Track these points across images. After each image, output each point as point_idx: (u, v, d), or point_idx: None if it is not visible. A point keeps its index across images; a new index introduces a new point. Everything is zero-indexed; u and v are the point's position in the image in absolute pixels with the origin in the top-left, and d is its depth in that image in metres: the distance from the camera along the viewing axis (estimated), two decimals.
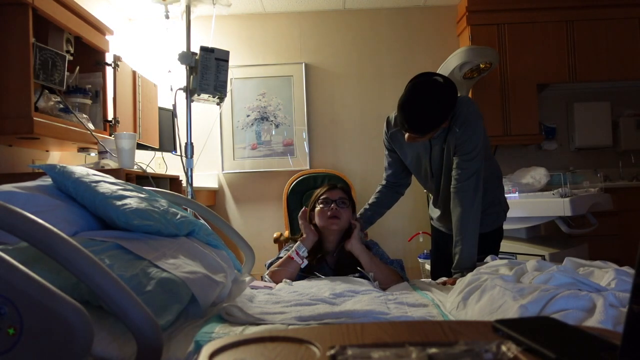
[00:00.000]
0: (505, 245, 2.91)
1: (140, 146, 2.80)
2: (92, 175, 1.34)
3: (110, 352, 0.87)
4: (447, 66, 3.18)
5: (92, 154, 2.58)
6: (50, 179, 1.28)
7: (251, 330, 1.04)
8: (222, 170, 3.78)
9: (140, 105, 2.87)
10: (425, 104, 1.64)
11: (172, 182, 2.65)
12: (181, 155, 2.59)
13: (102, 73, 2.48)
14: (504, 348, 0.51)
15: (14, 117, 1.84)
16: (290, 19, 3.86)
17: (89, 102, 2.37)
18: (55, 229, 0.72)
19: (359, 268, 1.70)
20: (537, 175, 3.10)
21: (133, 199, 1.28)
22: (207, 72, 2.48)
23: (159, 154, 3.26)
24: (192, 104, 2.58)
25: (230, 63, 2.63)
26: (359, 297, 1.35)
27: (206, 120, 3.70)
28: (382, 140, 1.99)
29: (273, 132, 3.81)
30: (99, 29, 2.43)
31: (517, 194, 2.96)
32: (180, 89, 2.52)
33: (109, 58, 2.54)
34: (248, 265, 1.86)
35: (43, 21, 2.03)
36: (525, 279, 1.25)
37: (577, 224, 3.02)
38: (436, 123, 1.66)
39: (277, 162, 3.80)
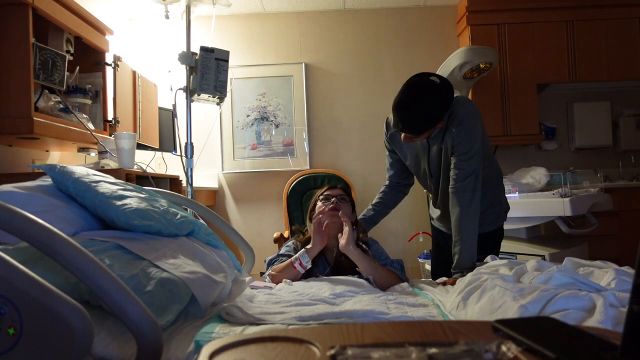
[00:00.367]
0: (505, 245, 2.91)
1: (140, 146, 2.80)
2: (92, 175, 1.34)
3: (110, 352, 0.87)
4: (447, 66, 3.18)
5: (92, 154, 2.58)
6: (50, 179, 1.28)
7: (251, 330, 1.04)
8: (222, 170, 3.78)
9: (140, 105, 2.87)
10: (419, 104, 1.64)
11: (172, 182, 2.65)
12: (181, 155, 2.59)
13: (102, 73, 2.48)
14: (504, 348, 0.50)
15: (14, 117, 1.84)
16: (290, 19, 3.86)
17: (89, 102, 2.37)
18: (55, 229, 0.72)
19: (357, 269, 1.70)
20: (537, 175, 3.10)
21: (133, 199, 1.28)
22: (207, 72, 2.48)
23: (159, 154, 3.26)
24: (192, 104, 2.58)
25: (230, 63, 2.63)
26: (359, 297, 1.35)
27: (206, 120, 3.70)
28: (383, 140, 2.00)
29: (273, 132, 3.81)
30: (99, 29, 2.43)
31: (517, 194, 2.96)
32: (180, 89, 2.52)
33: (109, 58, 2.54)
34: (248, 265, 1.86)
35: (43, 21, 2.03)
36: (525, 279, 1.25)
37: (577, 224, 3.02)
38: (430, 123, 1.66)
39: (277, 162, 3.80)
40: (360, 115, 3.82)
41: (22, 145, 2.20)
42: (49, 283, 0.68)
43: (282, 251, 1.87)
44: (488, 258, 1.61)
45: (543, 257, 2.71)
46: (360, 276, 1.67)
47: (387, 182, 2.09)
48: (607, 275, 1.17)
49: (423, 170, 1.90)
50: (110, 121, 2.52)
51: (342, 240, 1.70)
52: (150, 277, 1.03)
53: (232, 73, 3.57)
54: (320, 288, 1.46)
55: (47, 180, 1.30)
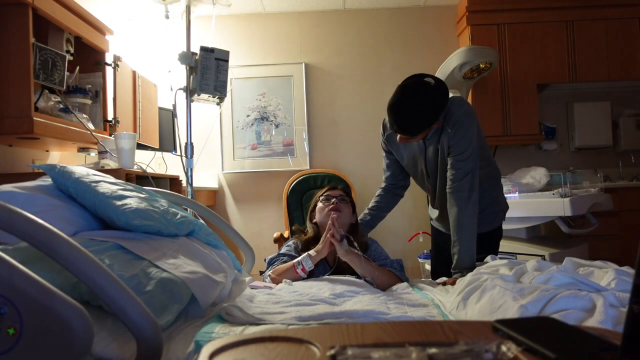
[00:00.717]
0: (505, 245, 2.92)
1: (140, 146, 2.80)
2: (92, 175, 1.34)
3: (110, 352, 0.87)
4: (447, 66, 3.18)
5: (92, 154, 2.58)
6: (50, 179, 1.28)
7: (251, 330, 1.04)
8: (222, 170, 3.78)
9: (140, 105, 2.87)
10: (413, 106, 1.64)
11: (172, 182, 2.65)
12: (181, 155, 2.59)
13: (102, 73, 2.48)
14: (504, 348, 0.51)
15: (14, 117, 1.84)
16: (290, 19, 3.86)
17: (89, 102, 2.37)
18: (55, 229, 0.72)
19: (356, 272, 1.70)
20: (537, 175, 3.10)
21: (133, 199, 1.28)
22: (207, 72, 2.48)
23: (159, 154, 3.26)
24: (192, 104, 2.58)
25: (230, 63, 2.63)
26: (359, 297, 1.35)
27: (206, 120, 3.70)
28: (380, 141, 2.01)
29: (273, 132, 3.81)
30: (99, 29, 2.43)
31: (517, 194, 2.96)
32: (180, 89, 2.52)
33: (109, 58, 2.54)
34: (248, 265, 1.86)
35: (43, 21, 2.03)
36: (525, 279, 1.25)
37: (577, 224, 3.02)
38: (425, 124, 1.67)
39: (277, 162, 3.80)
40: (360, 115, 3.82)
41: (22, 145, 2.20)
42: (49, 283, 0.68)
43: (283, 251, 1.87)
44: (488, 258, 1.61)
45: (543, 257, 2.71)
46: (360, 277, 1.68)
47: (383, 185, 2.09)
48: (607, 275, 1.17)
49: (420, 171, 1.91)
50: (110, 121, 2.52)
51: (340, 255, 1.68)
52: (150, 277, 1.03)
53: (232, 73, 3.58)
54: (320, 288, 1.46)
55: (47, 180, 1.30)
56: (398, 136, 1.73)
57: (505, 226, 2.06)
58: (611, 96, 3.88)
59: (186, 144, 2.58)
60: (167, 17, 2.66)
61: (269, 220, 3.77)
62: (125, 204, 1.23)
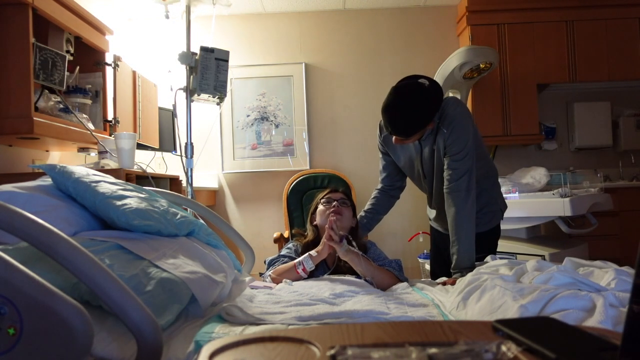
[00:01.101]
0: (505, 245, 2.92)
1: (140, 146, 2.80)
2: (92, 175, 1.34)
3: (110, 352, 0.87)
4: (447, 66, 3.18)
5: (92, 154, 2.58)
6: (50, 179, 1.28)
7: (251, 330, 1.04)
8: (222, 170, 3.78)
9: (140, 105, 2.87)
10: (407, 107, 1.65)
11: (172, 182, 2.65)
12: (181, 155, 2.59)
13: (102, 73, 2.48)
14: (504, 348, 0.51)
15: (14, 117, 1.84)
16: (290, 19, 3.86)
17: (89, 102, 2.37)
18: (55, 229, 0.72)
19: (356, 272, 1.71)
20: (537, 175, 3.10)
21: (133, 199, 1.28)
22: (207, 72, 2.48)
23: (159, 154, 3.26)
24: (192, 104, 2.58)
25: (230, 63, 2.63)
26: (359, 297, 1.35)
27: (206, 120, 3.70)
28: (377, 143, 2.01)
29: (273, 132, 3.81)
30: (99, 29, 2.43)
31: (517, 194, 2.96)
32: (180, 89, 2.52)
33: (109, 58, 2.54)
34: (248, 265, 1.86)
35: (43, 21, 2.03)
36: (525, 279, 1.25)
37: (577, 224, 3.02)
38: (420, 125, 1.67)
39: (277, 162, 3.80)
40: (360, 115, 3.82)
41: (22, 145, 2.20)
42: (49, 283, 0.68)
43: (283, 252, 1.88)
44: (488, 258, 1.61)
45: (543, 257, 2.71)
46: (359, 277, 1.68)
47: (379, 186, 2.09)
48: (607, 275, 1.17)
49: (417, 171, 1.91)
50: (110, 121, 2.52)
51: (339, 251, 1.69)
52: (150, 277, 1.03)
53: (232, 73, 3.58)
54: (320, 288, 1.46)
55: (47, 180, 1.30)
56: (394, 137, 1.74)
57: (505, 226, 2.06)
58: (611, 96, 3.88)
59: (186, 144, 2.58)
60: (167, 17, 2.66)
61: (269, 220, 3.77)
62: (125, 204, 1.23)
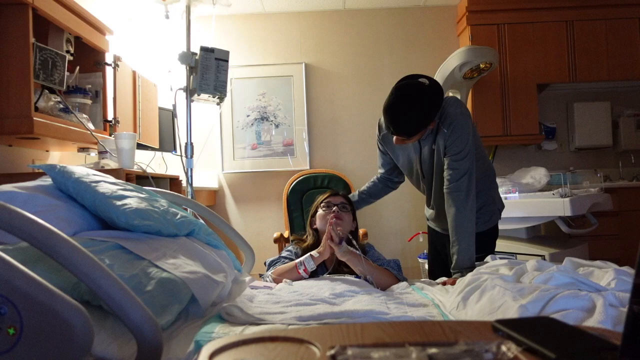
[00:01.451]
0: (505, 245, 2.92)
1: (140, 146, 2.80)
2: (92, 175, 1.34)
3: (110, 352, 0.87)
4: (447, 66, 3.18)
5: (92, 154, 2.58)
6: (50, 179, 1.28)
7: (251, 330, 1.04)
8: (222, 170, 3.78)
9: (140, 105, 2.87)
10: (408, 107, 1.65)
11: (172, 182, 2.65)
12: (181, 155, 2.59)
13: (102, 73, 2.47)
14: (504, 348, 0.50)
15: (14, 117, 1.84)
16: (290, 19, 3.86)
17: (89, 102, 2.36)
18: (55, 229, 0.72)
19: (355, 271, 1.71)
20: (537, 175, 3.10)
21: (133, 199, 1.28)
22: (207, 72, 2.47)
23: (159, 154, 3.26)
24: (192, 104, 2.58)
25: (230, 63, 2.63)
26: (359, 297, 1.35)
27: (206, 120, 3.70)
28: (376, 141, 2.02)
29: (273, 132, 3.81)
30: (99, 29, 2.42)
31: (517, 194, 2.96)
32: (180, 89, 2.52)
33: (109, 58, 2.54)
34: (248, 265, 1.86)
35: (43, 21, 2.03)
36: (525, 279, 1.25)
37: (577, 224, 3.02)
38: (421, 125, 1.68)
39: (277, 162, 3.80)
40: (360, 115, 3.82)
41: (22, 145, 2.20)
42: (49, 283, 0.68)
43: (284, 254, 1.88)
44: (488, 258, 1.61)
45: (543, 257, 2.71)
46: (358, 277, 1.68)
47: (378, 175, 2.12)
48: (607, 275, 1.17)
49: (415, 171, 1.92)
50: (110, 121, 2.52)
51: (337, 252, 1.69)
52: (150, 277, 1.03)
53: (232, 73, 3.57)
54: (320, 288, 1.46)
55: (47, 180, 1.30)
56: (394, 137, 1.74)
57: (505, 226, 2.06)
58: (611, 96, 3.88)
59: (186, 144, 2.58)
60: (167, 17, 2.66)
61: (269, 220, 3.77)
62: (125, 204, 1.23)
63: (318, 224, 1.88)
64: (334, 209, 1.84)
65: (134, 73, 2.82)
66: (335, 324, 0.66)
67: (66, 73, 2.12)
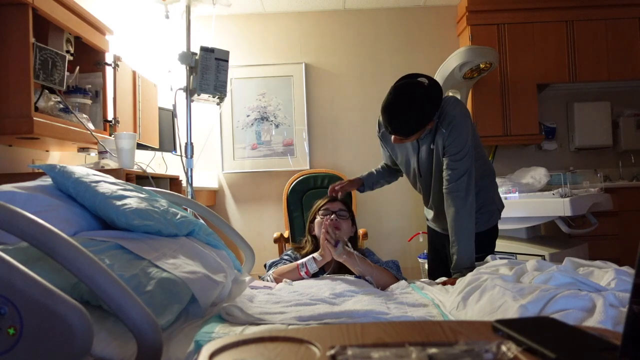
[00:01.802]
0: (505, 245, 2.92)
1: (140, 146, 2.80)
2: (92, 175, 1.34)
3: (110, 352, 0.87)
4: (447, 66, 3.18)
5: (92, 154, 2.58)
6: (50, 179, 1.28)
7: (251, 330, 1.04)
8: (222, 170, 3.78)
9: (140, 105, 2.87)
10: (406, 107, 1.64)
11: (172, 182, 2.65)
12: (181, 155, 2.59)
13: (102, 73, 2.47)
14: (504, 348, 0.50)
15: (14, 117, 1.84)
16: (290, 19, 3.86)
17: (89, 102, 2.36)
18: (55, 229, 0.72)
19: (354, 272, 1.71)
20: (537, 175, 3.10)
21: (133, 199, 1.28)
22: (207, 72, 2.47)
23: (159, 154, 3.26)
24: (192, 104, 2.58)
25: (230, 63, 2.63)
26: (359, 297, 1.35)
27: (206, 120, 3.70)
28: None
29: (273, 132, 3.81)
30: (99, 29, 2.42)
31: (517, 194, 2.96)
32: (180, 89, 2.52)
33: (109, 58, 2.53)
34: (248, 265, 1.86)
35: (43, 21, 2.03)
36: (525, 279, 1.25)
37: (577, 224, 3.02)
38: (419, 125, 1.67)
39: (277, 162, 3.80)
40: (360, 115, 3.82)
41: (22, 145, 2.20)
42: (49, 283, 0.68)
43: (284, 257, 1.88)
44: (488, 258, 1.61)
45: (543, 257, 2.71)
46: (357, 278, 1.68)
47: (383, 163, 2.15)
48: (607, 275, 1.17)
49: (413, 170, 1.92)
50: (110, 121, 2.52)
51: (334, 254, 1.70)
52: (150, 277, 1.03)
53: (232, 73, 3.57)
54: (320, 288, 1.46)
55: (47, 180, 1.30)
56: (393, 137, 1.74)
57: (505, 226, 2.06)
58: (611, 96, 3.88)
59: (186, 144, 2.58)
60: (167, 17, 2.66)
61: (269, 220, 3.77)
62: (125, 204, 1.23)
63: (316, 231, 1.86)
64: (332, 217, 1.81)
65: (134, 73, 2.82)
66: (335, 324, 0.66)
67: (66, 73, 2.12)
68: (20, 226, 0.71)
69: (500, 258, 1.60)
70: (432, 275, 2.11)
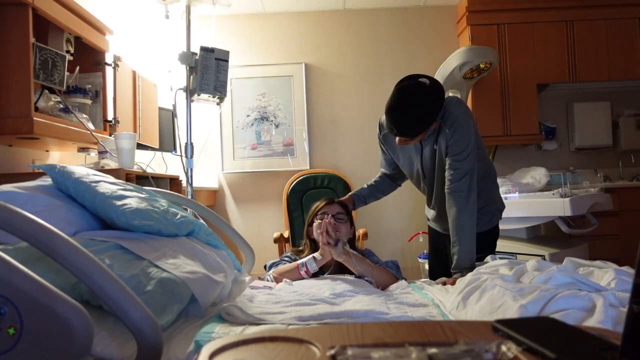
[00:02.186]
0: (505, 245, 2.92)
1: (140, 146, 2.80)
2: (92, 175, 1.34)
3: (110, 352, 0.87)
4: (447, 66, 3.18)
5: (92, 154, 2.58)
6: (50, 179, 1.28)
7: (251, 330, 1.04)
8: (222, 170, 3.78)
9: (140, 105, 2.87)
10: (412, 108, 1.64)
11: (172, 182, 2.65)
12: (181, 155, 2.59)
13: (102, 73, 2.47)
14: (504, 348, 0.50)
15: (14, 117, 1.84)
16: (290, 19, 3.86)
17: (89, 102, 2.36)
18: (55, 229, 0.72)
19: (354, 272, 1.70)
20: (537, 175, 3.10)
21: (133, 199, 1.28)
22: (207, 72, 2.47)
23: (159, 154, 3.26)
24: (192, 104, 2.58)
25: (230, 63, 2.63)
26: (359, 297, 1.35)
27: (206, 120, 3.70)
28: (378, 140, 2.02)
29: (273, 132, 3.81)
30: (99, 29, 2.42)
31: (517, 194, 2.96)
32: (180, 89, 2.52)
33: (109, 58, 2.54)
34: (248, 265, 1.86)
35: (43, 21, 2.03)
36: (525, 279, 1.25)
37: (577, 224, 3.02)
38: (424, 126, 1.67)
39: (277, 162, 3.80)
40: (360, 115, 3.82)
41: (22, 145, 2.20)
42: (49, 283, 0.68)
43: (284, 258, 1.88)
44: (488, 258, 1.61)
45: (543, 257, 2.71)
46: (358, 277, 1.68)
47: (380, 173, 2.13)
48: (607, 275, 1.17)
49: (416, 171, 1.91)
50: (110, 121, 2.52)
51: (334, 254, 1.69)
52: (150, 277, 1.03)
53: (232, 73, 3.57)
54: (320, 288, 1.46)
55: (47, 180, 1.30)
56: (397, 139, 1.73)
57: (505, 226, 2.06)
58: (611, 96, 3.88)
59: (186, 144, 2.58)
60: (167, 17, 2.66)
61: (269, 220, 3.77)
62: (125, 204, 1.23)
63: (315, 235, 1.85)
64: (330, 219, 1.81)
65: (134, 73, 2.82)
66: (335, 324, 0.66)
67: (66, 73, 2.12)
68: (20, 226, 0.71)
69: (500, 258, 1.60)
70: (433, 275, 2.11)
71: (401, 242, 3.74)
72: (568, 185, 2.80)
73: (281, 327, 1.06)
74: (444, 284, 1.63)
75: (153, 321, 0.74)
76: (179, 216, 1.38)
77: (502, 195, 2.31)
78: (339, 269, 1.77)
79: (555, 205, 2.71)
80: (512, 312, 1.03)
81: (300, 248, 1.94)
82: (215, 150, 3.77)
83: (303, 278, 1.68)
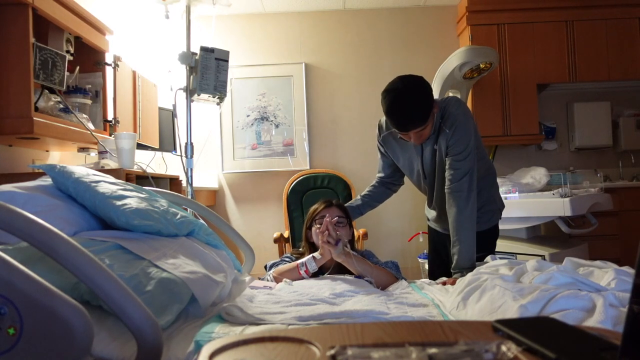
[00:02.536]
0: (505, 245, 2.92)
1: (140, 146, 2.80)
2: (92, 175, 1.34)
3: (110, 352, 0.87)
4: (447, 66, 3.18)
5: (92, 154, 2.58)
6: (50, 179, 1.28)
7: (251, 330, 1.04)
8: (222, 170, 3.78)
9: (140, 105, 2.87)
10: (408, 96, 1.65)
11: (172, 182, 2.65)
12: (181, 155, 2.59)
13: (102, 73, 2.47)
14: (504, 348, 0.51)
15: (14, 117, 1.84)
16: (290, 19, 3.86)
17: (89, 102, 2.36)
18: (55, 229, 0.72)
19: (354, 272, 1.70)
20: (537, 175, 3.10)
21: (133, 199, 1.28)
22: (207, 72, 2.47)
23: (159, 154, 3.26)
24: (192, 104, 2.58)
25: (230, 63, 2.63)
26: (359, 297, 1.35)
27: (206, 120, 3.70)
28: (376, 143, 2.01)
29: (273, 132, 3.81)
30: (99, 29, 2.42)
31: (517, 194, 2.96)
32: (180, 89, 2.52)
33: (109, 58, 2.53)
34: (248, 265, 1.86)
35: (43, 21, 2.03)
36: (525, 279, 1.25)
37: (577, 224, 3.02)
38: (428, 106, 1.66)
39: (277, 162, 3.80)
40: (360, 115, 3.82)
41: (22, 145, 2.20)
42: (49, 283, 0.68)
43: (285, 258, 1.88)
44: (488, 258, 1.61)
45: (543, 257, 2.71)
46: (358, 277, 1.68)
47: (377, 179, 2.11)
48: (607, 275, 1.17)
49: (417, 172, 1.91)
50: (110, 121, 2.52)
51: (333, 254, 1.69)
52: (150, 277, 1.03)
53: (232, 73, 3.58)
54: (320, 288, 1.46)
55: (47, 180, 1.30)
56: (412, 135, 1.71)
57: (505, 226, 2.06)
58: (611, 96, 3.88)
59: (186, 144, 2.58)
60: (167, 17, 2.66)
61: (269, 220, 3.77)
62: (125, 204, 1.23)
63: (314, 239, 1.84)
64: (330, 220, 1.80)
65: (134, 73, 2.82)
66: (335, 324, 0.66)
67: (66, 73, 2.12)
68: (20, 226, 0.71)
69: (500, 258, 1.60)
70: (433, 275, 2.11)
71: (401, 242, 3.74)
72: (568, 185, 2.80)
73: (281, 327, 1.06)
74: (444, 284, 1.63)
75: (153, 321, 0.74)
76: (179, 216, 1.38)
77: (502, 195, 2.31)
78: (339, 269, 1.77)
79: (555, 205, 2.71)
80: (512, 312, 1.03)
81: (301, 250, 1.94)
82: (215, 150, 3.77)
83: (303, 278, 1.68)
